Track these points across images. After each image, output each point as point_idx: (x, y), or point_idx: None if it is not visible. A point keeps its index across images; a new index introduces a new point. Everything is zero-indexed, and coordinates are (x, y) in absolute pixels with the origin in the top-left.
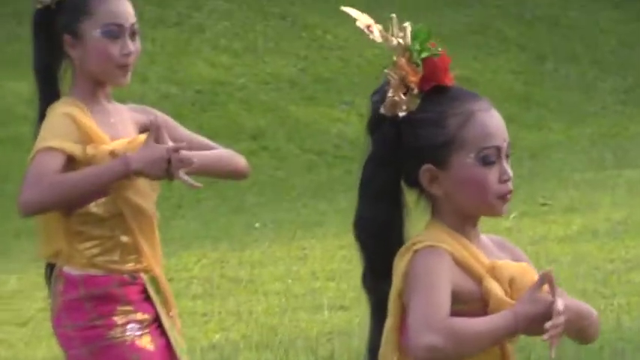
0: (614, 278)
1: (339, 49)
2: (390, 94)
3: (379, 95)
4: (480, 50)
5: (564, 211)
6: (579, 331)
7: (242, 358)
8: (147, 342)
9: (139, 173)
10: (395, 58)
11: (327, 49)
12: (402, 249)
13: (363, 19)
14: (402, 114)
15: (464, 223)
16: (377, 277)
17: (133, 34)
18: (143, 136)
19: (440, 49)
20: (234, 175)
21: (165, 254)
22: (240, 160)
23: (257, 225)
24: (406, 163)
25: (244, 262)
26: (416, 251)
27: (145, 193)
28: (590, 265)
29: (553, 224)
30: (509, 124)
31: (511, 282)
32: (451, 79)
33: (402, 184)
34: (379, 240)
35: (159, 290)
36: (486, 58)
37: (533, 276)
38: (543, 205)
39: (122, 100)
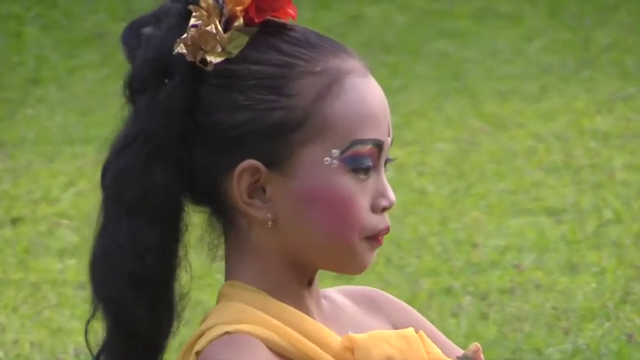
0: None
1: None
2: (196, 22)
3: (156, 28)
4: None
5: None
6: None
7: None
8: None
9: None
10: None
11: None
12: (180, 353)
13: None
14: (216, 60)
15: (293, 277)
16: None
17: None
18: None
19: None
20: None
21: None
22: None
23: None
24: (200, 155)
25: None
26: (199, 353)
27: None
28: None
29: None
30: None
31: None
32: (295, 13)
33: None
34: (139, 288)
35: None
36: None
37: (431, 349)
38: None
39: None
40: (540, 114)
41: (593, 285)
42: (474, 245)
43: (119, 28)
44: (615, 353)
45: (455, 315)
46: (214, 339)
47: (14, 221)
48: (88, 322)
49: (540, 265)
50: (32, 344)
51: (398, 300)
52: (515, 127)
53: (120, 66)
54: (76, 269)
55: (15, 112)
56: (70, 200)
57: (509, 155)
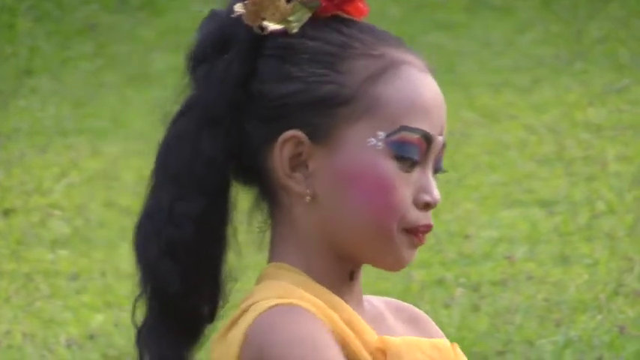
0: None
1: None
2: None
3: (229, 9)
4: None
5: None
6: None
7: None
8: None
9: None
10: None
11: None
12: (216, 336)
13: None
14: (273, 27)
15: (334, 265)
16: (169, 333)
17: None
18: None
19: None
20: None
21: None
22: None
23: None
24: (249, 126)
25: None
26: (247, 328)
27: None
28: None
29: None
30: None
31: None
32: (366, 10)
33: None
34: (176, 257)
35: None
36: None
37: None
38: None
39: None
40: (533, 106)
41: (586, 277)
42: (467, 237)
43: (112, 19)
44: (607, 345)
45: (447, 306)
46: (264, 311)
47: (7, 212)
48: (137, 299)
49: (532, 257)
50: (24, 335)
51: (438, 328)
52: (508, 118)
53: (113, 57)
54: (68, 260)
55: (8, 103)
56: (62, 191)
57: (502, 147)
